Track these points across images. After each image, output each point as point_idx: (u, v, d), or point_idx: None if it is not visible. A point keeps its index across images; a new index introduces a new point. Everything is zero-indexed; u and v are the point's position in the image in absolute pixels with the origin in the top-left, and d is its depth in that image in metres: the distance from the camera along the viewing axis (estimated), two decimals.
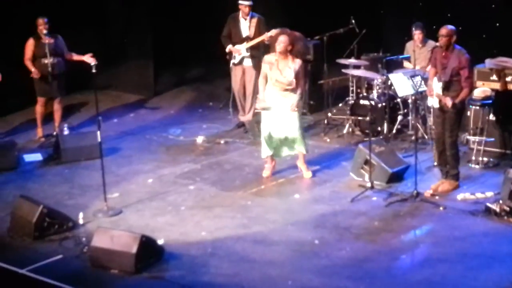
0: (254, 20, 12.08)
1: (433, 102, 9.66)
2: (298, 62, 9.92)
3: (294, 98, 9.94)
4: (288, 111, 9.94)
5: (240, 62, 12.12)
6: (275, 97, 9.98)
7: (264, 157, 10.32)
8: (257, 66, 12.13)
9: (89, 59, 10.92)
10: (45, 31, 11.61)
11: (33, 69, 11.65)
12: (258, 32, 12.00)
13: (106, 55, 13.70)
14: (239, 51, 12.01)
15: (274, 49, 9.97)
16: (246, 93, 12.26)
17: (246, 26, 12.08)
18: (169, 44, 14.75)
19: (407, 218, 8.93)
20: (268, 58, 9.98)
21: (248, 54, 12.04)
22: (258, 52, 12.19)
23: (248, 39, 12.00)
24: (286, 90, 9.94)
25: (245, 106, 12.24)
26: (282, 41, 9.87)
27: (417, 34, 11.83)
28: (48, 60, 11.60)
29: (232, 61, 12.10)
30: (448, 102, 9.25)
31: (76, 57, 11.80)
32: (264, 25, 12.09)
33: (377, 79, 11.82)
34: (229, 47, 12.03)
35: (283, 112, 9.99)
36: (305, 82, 10.10)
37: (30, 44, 11.75)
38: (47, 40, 11.60)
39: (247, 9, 12.02)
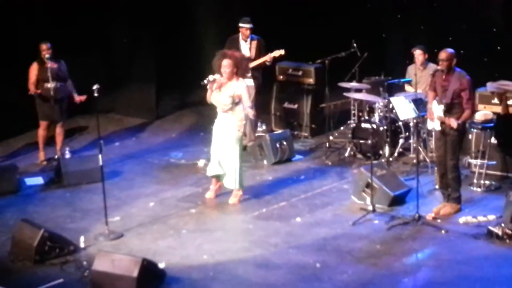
0: (254, 42, 12.17)
1: (433, 125, 9.66)
2: (241, 85, 9.88)
3: (234, 120, 9.92)
4: (227, 132, 9.94)
5: None
6: (218, 117, 10.05)
7: (208, 175, 10.32)
8: (258, 87, 12.21)
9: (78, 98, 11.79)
10: (47, 56, 11.62)
11: (37, 91, 11.65)
12: (259, 54, 12.08)
13: (109, 79, 13.74)
14: None
15: (218, 71, 9.92)
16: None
17: (247, 48, 12.15)
18: (171, 68, 14.79)
19: (409, 241, 8.91)
20: (217, 78, 9.92)
21: (249, 75, 12.09)
22: (259, 73, 12.26)
23: (249, 60, 12.05)
24: (225, 111, 9.94)
25: (247, 128, 12.28)
26: (226, 65, 9.84)
27: (417, 54, 11.84)
28: (50, 85, 11.61)
29: None
30: (453, 123, 9.25)
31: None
32: (264, 46, 12.17)
33: (379, 102, 11.83)
34: None
35: (221, 133, 10.02)
36: (252, 106, 10.10)
37: (33, 69, 11.77)
38: (49, 64, 11.61)
39: (248, 32, 12.12)
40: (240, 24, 12.14)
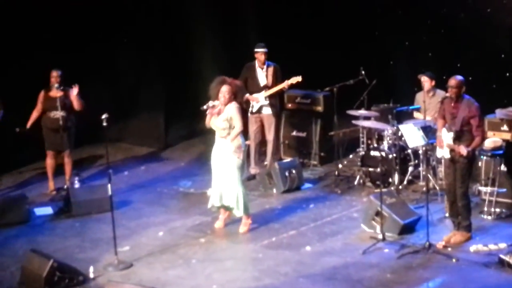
0: (271, 69, 12.22)
1: (443, 153, 9.63)
2: (232, 106, 9.91)
3: (232, 147, 9.93)
4: (227, 159, 9.95)
5: (258, 110, 12.24)
6: (216, 144, 10.07)
7: (209, 207, 10.33)
8: (276, 114, 12.25)
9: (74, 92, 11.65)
10: (56, 84, 11.66)
11: (28, 123, 11.74)
12: (275, 81, 12.12)
13: (117, 108, 13.77)
14: (257, 99, 12.11)
15: (216, 97, 9.95)
16: (267, 141, 12.42)
17: (263, 75, 12.22)
18: (179, 97, 14.83)
19: (419, 270, 8.86)
20: (217, 104, 9.96)
21: (267, 102, 12.16)
22: (276, 100, 12.30)
23: (266, 87, 12.12)
24: (222, 136, 9.97)
25: (267, 154, 12.46)
26: (225, 91, 9.88)
27: (423, 81, 11.83)
28: (58, 114, 11.65)
29: (249, 110, 12.18)
30: (463, 150, 9.21)
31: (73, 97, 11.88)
32: (280, 73, 12.20)
33: (388, 130, 11.83)
34: (246, 96, 12.07)
35: (220, 160, 10.02)
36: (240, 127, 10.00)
37: (40, 97, 11.83)
38: (58, 93, 11.65)
39: (263, 57, 12.17)
40: (255, 49, 12.21)
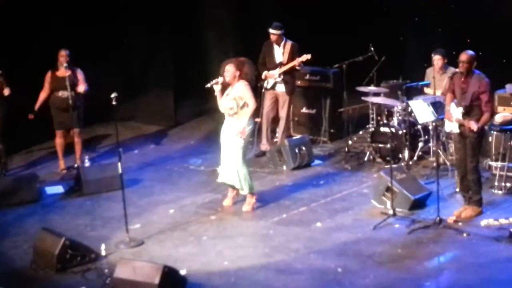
0: (288, 47, 12.23)
1: (452, 127, 9.60)
2: (239, 85, 9.88)
3: (239, 124, 9.90)
4: (231, 138, 9.93)
5: (273, 87, 12.29)
6: (225, 122, 10.07)
7: (218, 181, 10.36)
8: (290, 92, 12.23)
9: (81, 88, 11.66)
10: (65, 64, 11.65)
11: (36, 106, 11.74)
12: (291, 58, 12.15)
13: (127, 87, 13.78)
14: (273, 76, 12.11)
15: (222, 75, 9.96)
16: (280, 117, 12.47)
17: (280, 52, 12.24)
18: (189, 75, 14.82)
19: (430, 245, 8.86)
20: (220, 80, 9.98)
21: (280, 79, 12.15)
22: (291, 78, 12.29)
23: (281, 65, 12.13)
24: (230, 115, 9.96)
25: (278, 131, 12.50)
26: (228, 70, 9.90)
27: (436, 60, 11.77)
28: (64, 93, 11.65)
29: (264, 86, 12.20)
30: (473, 126, 9.17)
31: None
32: (297, 51, 12.20)
33: (397, 106, 11.80)
34: (264, 73, 12.15)
35: (226, 138, 10.02)
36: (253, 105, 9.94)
37: (47, 77, 11.83)
38: (67, 73, 11.64)
39: (275, 37, 12.17)
40: (269, 30, 12.19)
